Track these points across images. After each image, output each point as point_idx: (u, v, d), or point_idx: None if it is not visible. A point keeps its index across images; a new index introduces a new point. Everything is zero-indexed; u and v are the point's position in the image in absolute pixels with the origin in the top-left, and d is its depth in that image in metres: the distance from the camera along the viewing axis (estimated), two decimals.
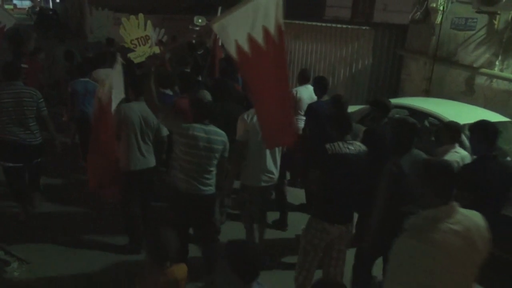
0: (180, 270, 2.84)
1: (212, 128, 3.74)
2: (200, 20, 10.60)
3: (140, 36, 8.32)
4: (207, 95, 4.76)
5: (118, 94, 4.20)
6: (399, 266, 2.09)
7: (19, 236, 4.83)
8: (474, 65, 7.12)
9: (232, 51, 3.24)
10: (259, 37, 3.23)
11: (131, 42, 7.90)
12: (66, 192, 5.97)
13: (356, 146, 3.45)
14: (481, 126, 3.42)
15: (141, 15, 8.61)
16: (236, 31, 3.18)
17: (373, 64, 9.05)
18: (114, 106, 4.12)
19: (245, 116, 4.17)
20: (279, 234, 5.22)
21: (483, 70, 6.97)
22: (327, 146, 3.35)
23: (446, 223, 2.04)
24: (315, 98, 5.46)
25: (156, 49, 8.31)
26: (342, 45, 9.65)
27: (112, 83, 4.07)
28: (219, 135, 3.74)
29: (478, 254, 2.11)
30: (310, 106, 5.24)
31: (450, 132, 3.86)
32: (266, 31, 3.24)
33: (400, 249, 2.09)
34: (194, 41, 10.53)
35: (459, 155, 3.77)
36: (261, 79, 3.42)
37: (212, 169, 3.78)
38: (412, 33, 8.46)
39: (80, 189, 5.80)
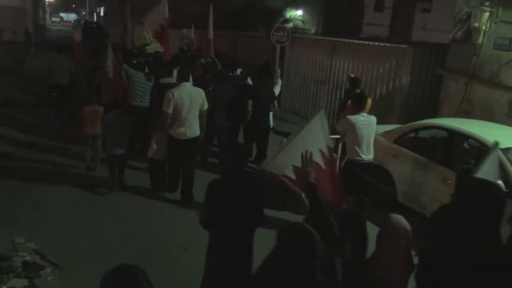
0: (99, 107, 6.95)
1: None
2: (188, 33, 14.05)
3: None
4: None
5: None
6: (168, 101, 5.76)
7: (54, 240, 4.95)
8: None
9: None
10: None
11: (149, 39, 10.96)
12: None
13: (172, 80, 7.15)
14: (265, 67, 7.33)
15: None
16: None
17: (411, 83, 8.86)
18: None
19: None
20: None
21: None
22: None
23: (183, 88, 5.79)
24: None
25: (161, 48, 11.47)
26: (380, 63, 9.54)
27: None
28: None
29: (198, 102, 5.89)
30: None
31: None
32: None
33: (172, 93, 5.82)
34: (185, 47, 14.15)
35: None
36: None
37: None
38: (452, 53, 8.26)
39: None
